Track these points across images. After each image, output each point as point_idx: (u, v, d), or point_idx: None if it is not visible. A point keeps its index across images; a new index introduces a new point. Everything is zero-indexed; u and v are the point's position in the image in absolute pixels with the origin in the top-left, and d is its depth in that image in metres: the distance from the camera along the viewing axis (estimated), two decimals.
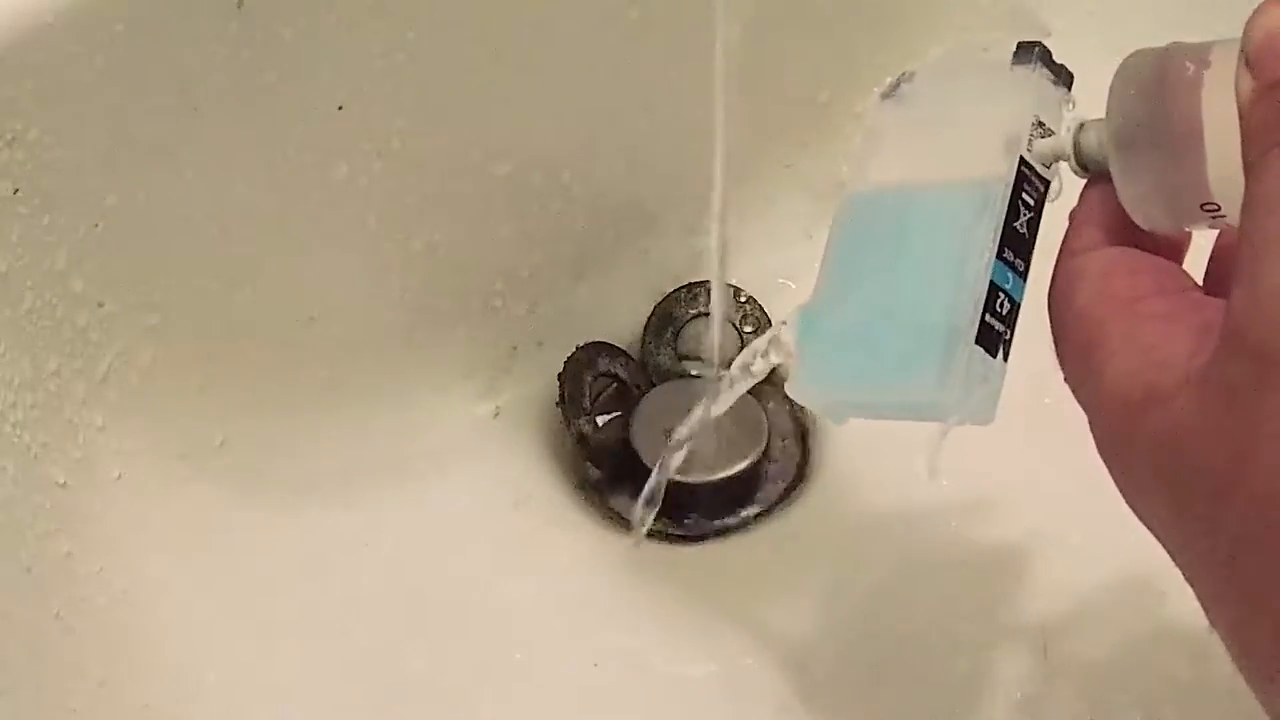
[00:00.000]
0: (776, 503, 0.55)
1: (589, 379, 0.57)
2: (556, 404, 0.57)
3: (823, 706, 0.50)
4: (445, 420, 0.57)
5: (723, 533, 0.55)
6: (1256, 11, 0.30)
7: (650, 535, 0.55)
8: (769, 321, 0.58)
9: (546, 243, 0.58)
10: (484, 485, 0.56)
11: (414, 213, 0.55)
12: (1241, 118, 0.30)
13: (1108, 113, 0.35)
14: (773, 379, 0.58)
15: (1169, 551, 0.34)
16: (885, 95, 0.40)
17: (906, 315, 0.36)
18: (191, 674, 0.50)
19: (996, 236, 0.36)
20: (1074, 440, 0.54)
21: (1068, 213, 0.37)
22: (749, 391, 0.56)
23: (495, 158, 0.55)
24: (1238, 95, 0.30)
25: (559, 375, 0.57)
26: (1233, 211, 0.32)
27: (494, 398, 0.58)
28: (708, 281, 0.59)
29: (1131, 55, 0.35)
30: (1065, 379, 0.35)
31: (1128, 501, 0.34)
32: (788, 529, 0.55)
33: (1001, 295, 0.36)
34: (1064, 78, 0.38)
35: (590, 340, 0.58)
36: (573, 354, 0.57)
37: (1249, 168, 0.30)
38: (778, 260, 0.59)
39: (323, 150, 0.52)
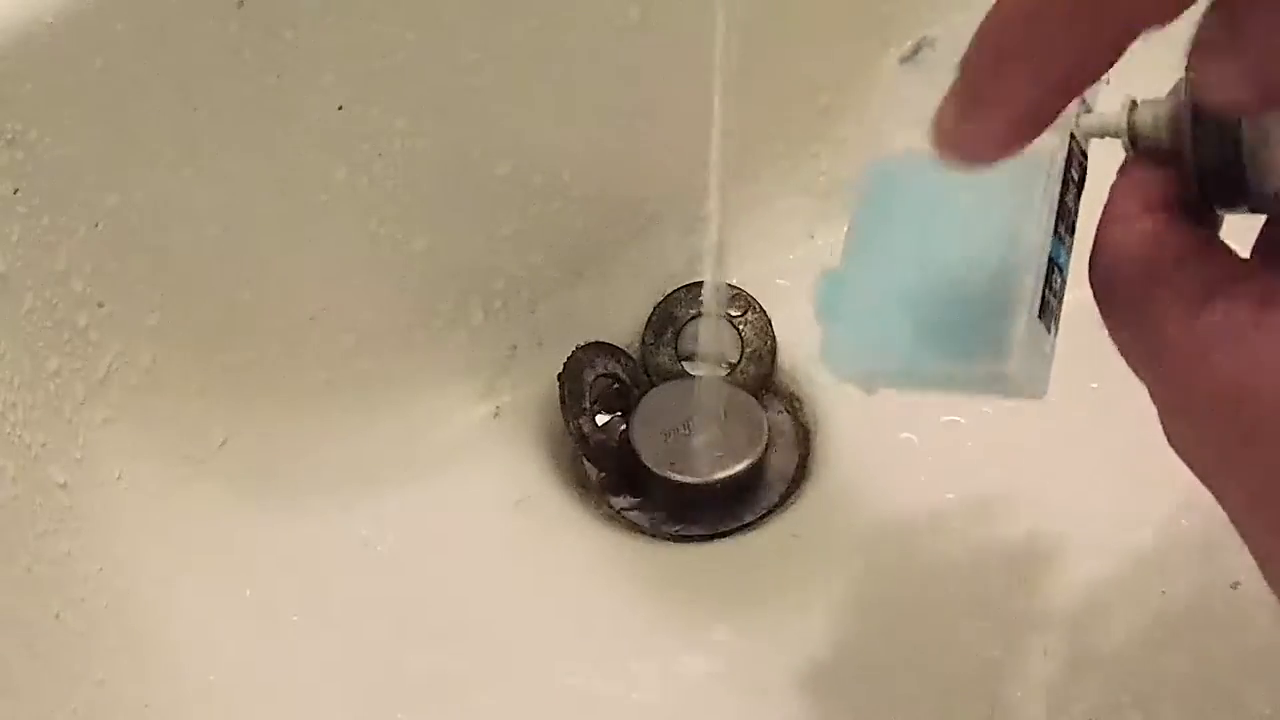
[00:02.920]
0: (776, 503, 0.55)
1: (589, 379, 0.57)
2: (561, 403, 0.57)
3: (823, 706, 0.50)
4: (445, 420, 0.57)
5: (723, 533, 0.55)
6: None
7: (650, 535, 0.55)
8: (769, 321, 0.58)
9: (546, 243, 0.58)
10: (484, 485, 0.56)
11: (414, 213, 0.55)
12: None
13: (1186, 94, 0.35)
14: (772, 382, 0.58)
15: (1220, 494, 0.35)
16: (905, 59, 0.40)
17: (957, 286, 0.36)
18: (191, 674, 0.50)
19: (1053, 210, 0.36)
20: (1074, 441, 0.55)
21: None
22: (749, 392, 0.57)
23: (495, 158, 0.55)
24: None
25: (559, 375, 0.57)
26: None
27: (494, 398, 0.58)
28: (707, 281, 0.59)
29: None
30: (1116, 335, 0.35)
31: (1187, 452, 0.35)
32: (788, 529, 0.55)
33: (1056, 269, 0.36)
34: None
35: (590, 340, 0.58)
36: (573, 354, 0.57)
37: None
38: (777, 260, 0.59)
39: (323, 150, 0.53)
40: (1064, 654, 0.50)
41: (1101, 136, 0.37)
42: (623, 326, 0.59)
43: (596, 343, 0.58)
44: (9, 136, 0.47)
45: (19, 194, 0.47)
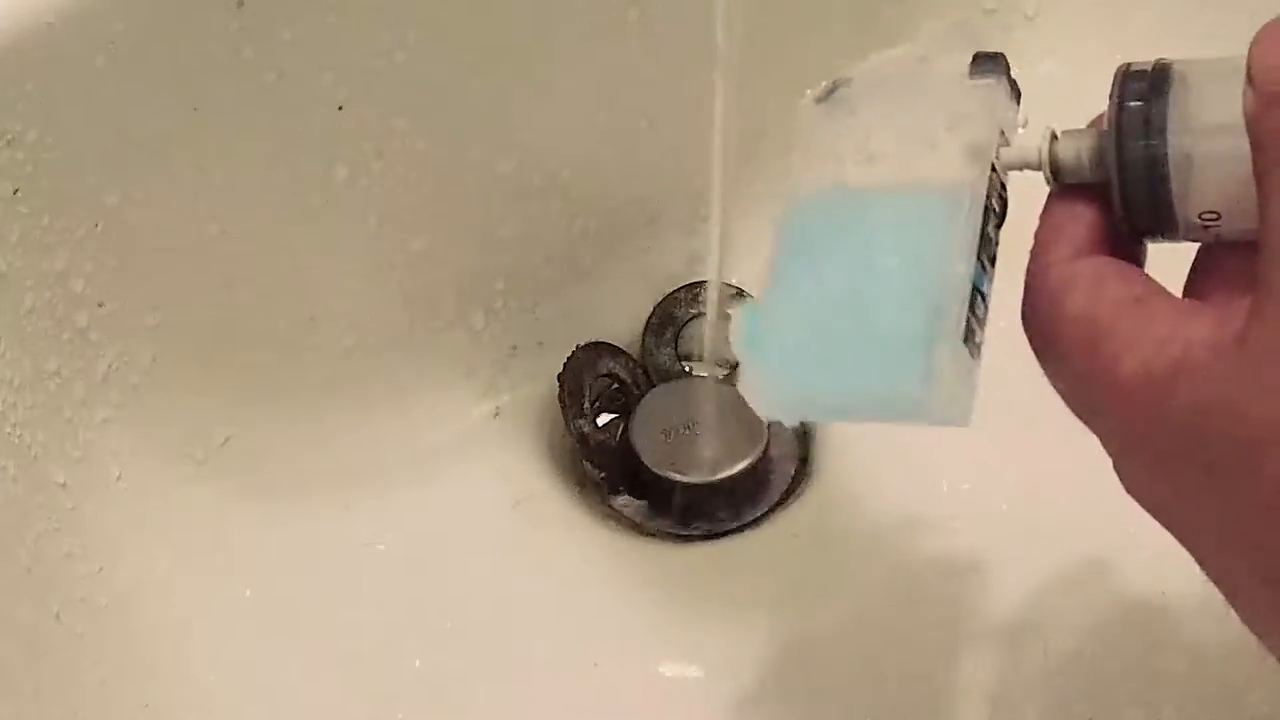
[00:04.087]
0: (776, 503, 0.55)
1: (589, 379, 0.57)
2: (561, 403, 0.57)
3: (823, 706, 0.50)
4: (445, 420, 0.57)
5: (723, 533, 0.55)
6: (1257, 36, 0.32)
7: (650, 535, 0.55)
8: None
9: (546, 243, 0.58)
10: (484, 485, 0.56)
11: (414, 213, 0.55)
12: (1249, 130, 0.32)
13: (1110, 127, 0.35)
14: None
15: (1182, 533, 0.35)
16: (820, 99, 0.40)
17: (881, 315, 0.36)
18: (191, 674, 0.50)
19: (976, 240, 0.36)
20: (1074, 441, 0.54)
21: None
22: None
23: (495, 158, 0.55)
24: (1244, 110, 0.32)
25: (559, 375, 0.57)
26: (1232, 219, 0.34)
27: (494, 398, 0.58)
28: (708, 281, 0.59)
29: (1123, 70, 0.36)
30: (1059, 384, 0.35)
31: (1144, 492, 0.35)
32: (788, 529, 0.55)
33: (979, 298, 0.36)
34: (1017, 91, 0.39)
35: (590, 340, 0.58)
36: (573, 354, 0.57)
37: (1261, 173, 0.32)
38: None
39: (323, 150, 0.53)
40: (1064, 654, 0.50)
41: (1021, 169, 0.37)
42: (623, 326, 0.59)
43: (596, 343, 0.58)
44: (9, 136, 0.47)
45: (19, 194, 0.47)
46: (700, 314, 0.59)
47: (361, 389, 0.56)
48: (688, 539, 0.55)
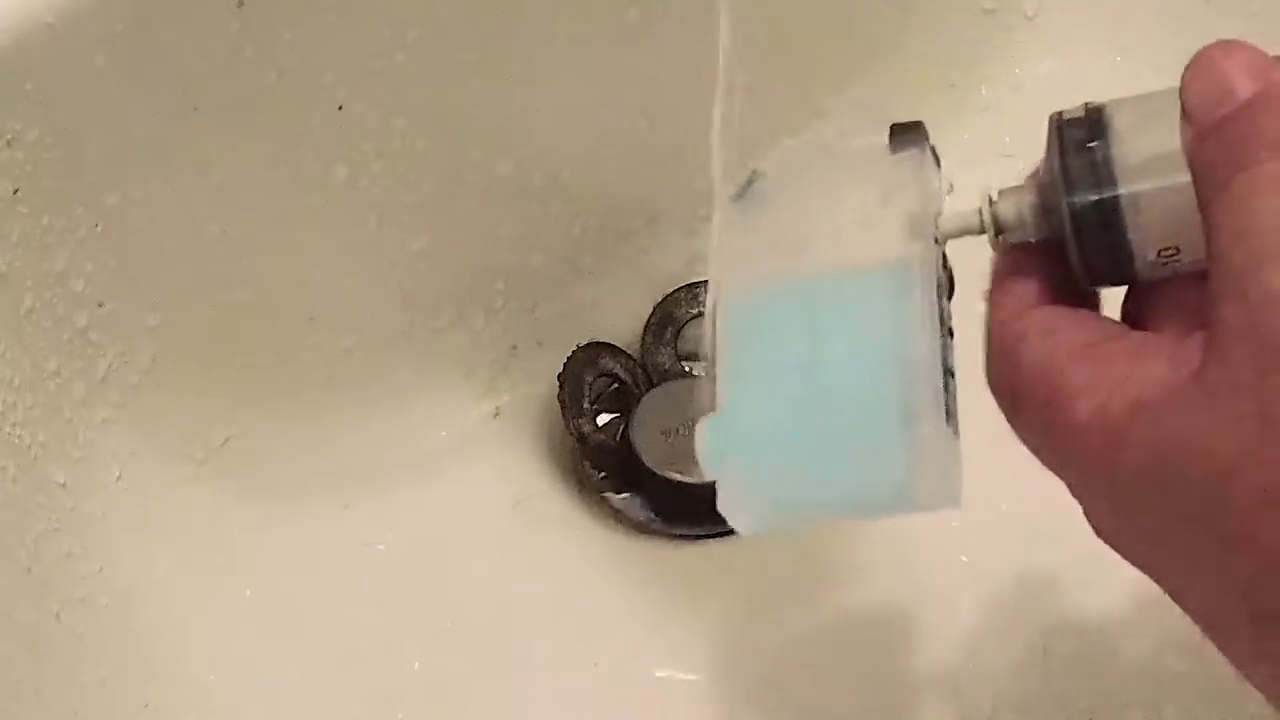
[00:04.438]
0: None
1: (589, 379, 0.57)
2: (561, 403, 0.57)
3: (822, 706, 0.50)
4: (445, 420, 0.57)
5: (723, 533, 0.55)
6: (1187, 67, 0.33)
7: (650, 535, 0.55)
8: None
9: (546, 243, 0.58)
10: (484, 485, 0.56)
11: (414, 213, 0.55)
12: (1189, 162, 0.32)
13: (1055, 182, 0.35)
14: None
15: (1157, 574, 0.35)
16: (737, 197, 0.40)
17: (851, 408, 0.35)
18: (191, 674, 0.50)
19: (936, 314, 0.35)
20: None
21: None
22: None
23: (495, 158, 0.55)
24: (1182, 143, 0.33)
25: (559, 375, 0.57)
26: (1192, 250, 0.33)
27: (494, 398, 0.58)
28: (708, 281, 0.59)
29: (1055, 120, 0.35)
30: (1027, 439, 0.35)
31: (1115, 537, 0.35)
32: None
33: (949, 374, 0.35)
34: (937, 158, 0.38)
35: (590, 340, 0.58)
36: (573, 354, 0.57)
37: (1204, 205, 0.32)
38: None
39: (323, 150, 0.53)
40: (1064, 654, 0.50)
41: (962, 236, 0.36)
42: (623, 326, 0.59)
43: (596, 343, 0.58)
44: (9, 136, 0.47)
45: (19, 194, 0.47)
46: (700, 314, 0.59)
47: (361, 389, 0.56)
48: (688, 539, 0.55)
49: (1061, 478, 0.35)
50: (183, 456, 0.53)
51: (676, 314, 0.59)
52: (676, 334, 0.59)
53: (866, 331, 0.35)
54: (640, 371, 0.58)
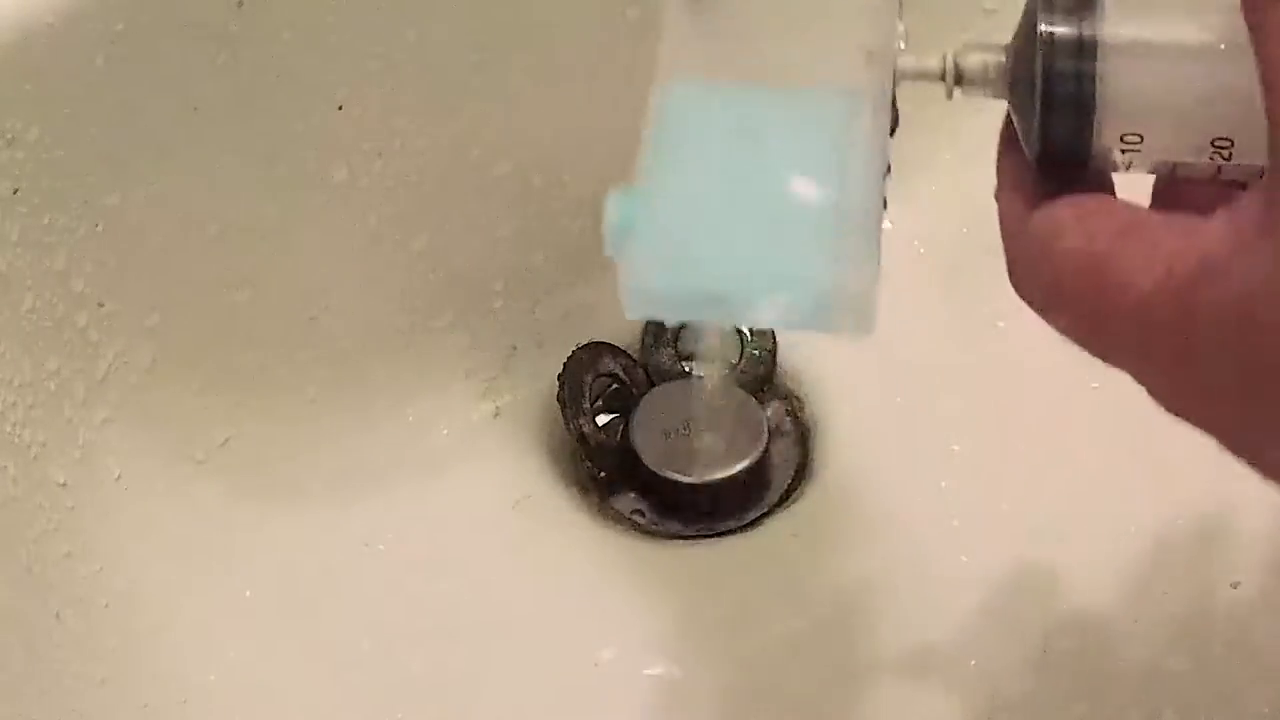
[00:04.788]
0: (776, 503, 0.55)
1: (589, 379, 0.57)
2: (561, 403, 0.57)
3: (823, 706, 0.50)
4: (445, 420, 0.57)
5: (723, 533, 0.55)
6: None
7: (650, 535, 0.55)
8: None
9: (546, 243, 0.58)
10: (484, 485, 0.56)
11: (414, 213, 0.55)
12: (1245, 14, 0.31)
13: (1031, 37, 0.33)
14: (772, 382, 0.58)
15: (1236, 433, 0.33)
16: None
17: (784, 210, 0.33)
18: (191, 674, 0.50)
19: (883, 145, 0.34)
20: (1074, 441, 0.54)
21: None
22: (749, 392, 0.57)
23: (495, 158, 0.55)
24: None
25: (559, 375, 0.57)
26: (1157, 140, 0.32)
27: (494, 398, 0.58)
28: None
29: None
30: (1072, 332, 0.34)
31: (1183, 406, 0.33)
32: (788, 529, 0.55)
33: (884, 205, 0.34)
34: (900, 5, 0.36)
35: (590, 340, 0.58)
36: (573, 354, 0.57)
37: (1255, 30, 0.30)
38: None
39: (323, 150, 0.53)
40: (1064, 654, 0.50)
41: (918, 79, 0.35)
42: (623, 326, 0.59)
43: (596, 343, 0.58)
44: (9, 136, 0.47)
45: (19, 194, 0.47)
46: None
47: (361, 389, 0.56)
48: (688, 539, 0.55)
49: (1118, 364, 0.33)
50: (183, 456, 0.53)
51: None
52: (676, 334, 0.59)
53: (810, 143, 0.34)
54: (640, 371, 0.58)
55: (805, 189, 0.33)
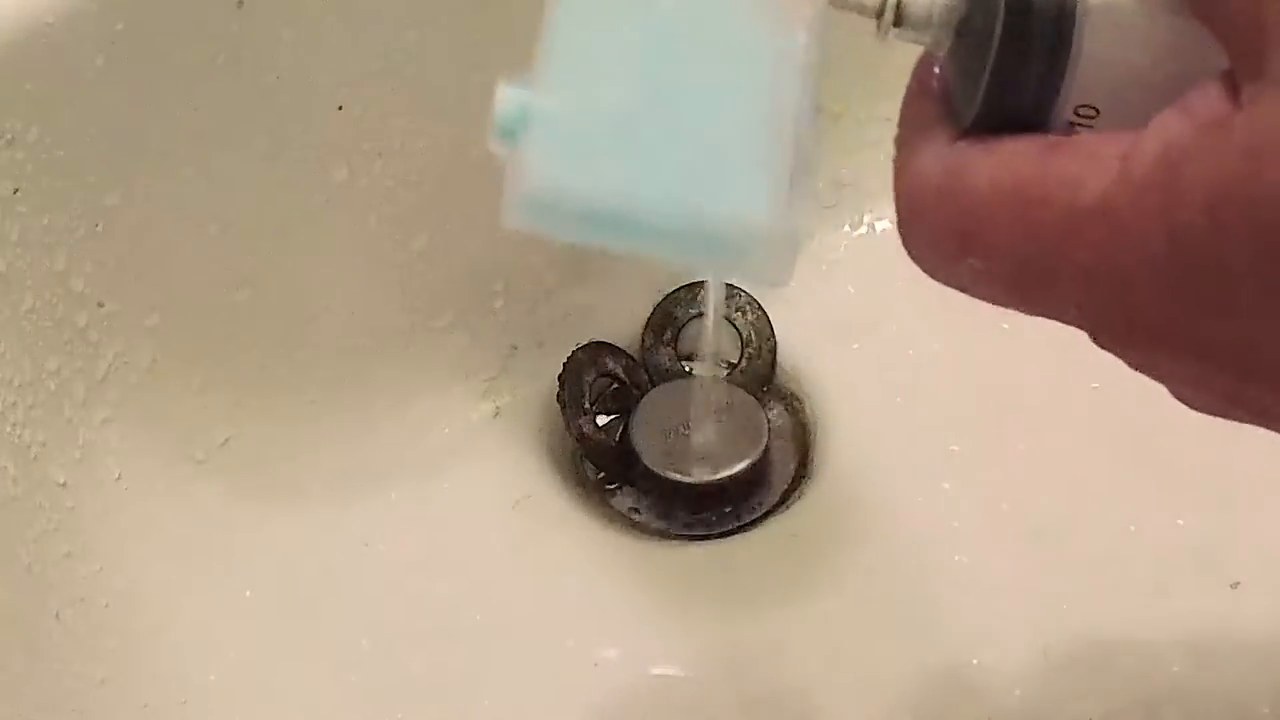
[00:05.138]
0: (776, 503, 0.55)
1: (589, 379, 0.57)
2: (561, 403, 0.57)
3: (822, 706, 0.50)
4: (445, 420, 0.57)
5: (723, 533, 0.55)
6: None
7: (650, 535, 0.55)
8: (769, 321, 0.58)
9: (546, 243, 0.57)
10: (484, 485, 0.56)
11: (414, 213, 0.55)
12: None
13: None
14: (772, 382, 0.58)
15: (1213, 338, 0.27)
16: None
17: (707, 129, 0.29)
18: (191, 674, 0.50)
19: (815, 79, 0.30)
20: (1074, 441, 0.54)
21: None
22: (749, 392, 0.57)
23: (495, 158, 0.55)
24: None
25: (559, 375, 0.57)
26: (1111, 117, 0.29)
27: (494, 398, 0.58)
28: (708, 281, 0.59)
29: None
30: (992, 275, 0.29)
31: (1159, 324, 0.28)
32: (788, 529, 0.55)
33: (813, 143, 0.30)
34: None
35: (590, 340, 0.58)
36: (573, 354, 0.57)
37: None
38: None
39: (323, 150, 0.53)
40: (1064, 654, 0.50)
41: (855, 9, 0.31)
42: (623, 326, 0.59)
43: (596, 343, 0.58)
44: (9, 136, 0.47)
45: (19, 194, 0.47)
46: (700, 314, 0.59)
47: (361, 389, 0.56)
48: (688, 539, 0.55)
49: (1053, 306, 0.29)
50: (183, 456, 0.53)
51: (676, 314, 0.59)
52: (676, 334, 0.59)
53: (741, 61, 0.30)
54: (640, 371, 0.58)
55: (729, 114, 0.29)
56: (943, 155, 0.29)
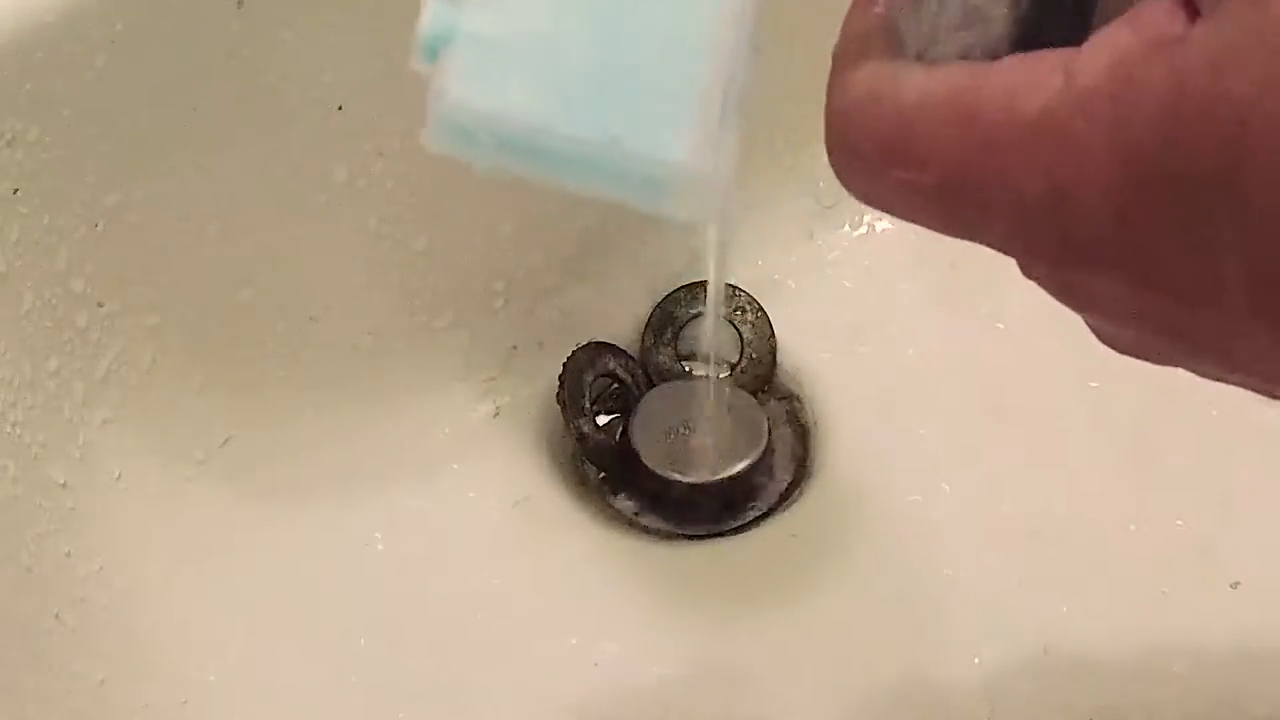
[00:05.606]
0: (776, 503, 0.55)
1: (589, 379, 0.57)
2: (561, 403, 0.57)
3: (822, 706, 0.50)
4: (445, 420, 0.57)
5: (723, 533, 0.55)
6: None
7: (650, 535, 0.55)
8: (769, 321, 0.58)
9: (546, 243, 0.58)
10: (484, 485, 0.56)
11: (414, 213, 0.55)
12: None
13: None
14: (772, 382, 0.58)
15: (1174, 282, 0.26)
16: None
17: (634, 67, 0.28)
18: (191, 674, 0.50)
19: (753, 20, 0.30)
20: (1074, 440, 0.54)
21: None
22: (749, 392, 0.57)
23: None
24: None
25: (559, 375, 0.57)
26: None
27: (494, 398, 0.58)
28: (708, 281, 0.59)
29: None
30: (926, 190, 0.27)
31: (1101, 245, 0.26)
32: (788, 529, 0.55)
33: (748, 84, 0.30)
34: None
35: (590, 340, 0.58)
36: (573, 354, 0.57)
37: None
38: (777, 260, 0.59)
39: (323, 150, 0.53)
40: (1064, 654, 0.50)
41: None
42: (623, 326, 0.59)
43: (596, 343, 0.58)
44: (9, 136, 0.47)
45: (19, 194, 0.47)
46: (700, 314, 0.59)
47: (361, 389, 0.56)
48: (688, 539, 0.55)
49: (989, 225, 0.27)
50: (183, 456, 0.53)
51: (676, 314, 0.59)
52: (676, 334, 0.59)
53: (679, 7, 0.29)
54: (640, 371, 0.58)
55: (661, 48, 0.29)
56: (879, 68, 0.28)
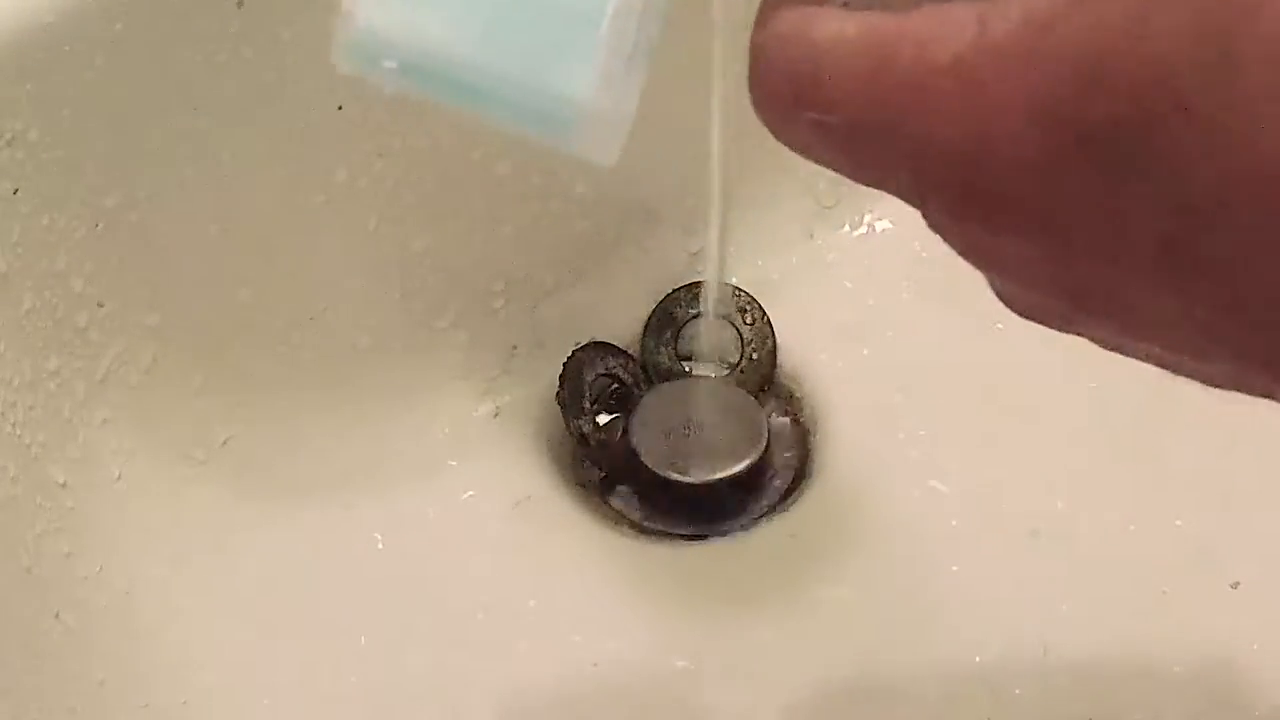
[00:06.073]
0: (776, 503, 0.55)
1: (589, 379, 0.57)
2: (561, 403, 0.57)
3: (822, 706, 0.50)
4: (445, 420, 0.57)
5: (723, 533, 0.55)
6: None
7: (650, 535, 0.55)
8: (769, 321, 0.58)
9: (546, 243, 0.58)
10: (484, 485, 0.56)
11: (414, 213, 0.55)
12: None
13: None
14: (772, 382, 0.58)
15: (1091, 247, 0.25)
16: None
17: (549, 5, 0.28)
18: (191, 674, 0.50)
19: None
20: (1074, 440, 0.54)
21: None
22: (749, 392, 0.57)
23: (495, 158, 0.55)
24: None
25: (559, 375, 0.57)
26: None
27: (494, 398, 0.58)
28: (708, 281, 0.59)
29: None
30: (837, 143, 0.27)
31: (1024, 201, 0.25)
32: (788, 529, 0.55)
33: (657, 23, 0.30)
34: None
35: (590, 340, 0.58)
36: (573, 354, 0.57)
37: None
38: (777, 260, 0.59)
39: (323, 150, 0.53)
40: (1064, 654, 0.50)
41: None
42: (623, 326, 0.59)
43: (596, 343, 0.58)
44: (9, 136, 0.47)
45: (19, 194, 0.47)
46: (700, 314, 0.59)
47: (362, 389, 0.56)
48: (688, 539, 0.55)
49: (902, 179, 0.27)
50: (183, 456, 0.53)
51: (676, 314, 0.59)
52: (676, 334, 0.59)
53: None
54: (640, 371, 0.58)
55: None
56: (801, 8, 0.28)
